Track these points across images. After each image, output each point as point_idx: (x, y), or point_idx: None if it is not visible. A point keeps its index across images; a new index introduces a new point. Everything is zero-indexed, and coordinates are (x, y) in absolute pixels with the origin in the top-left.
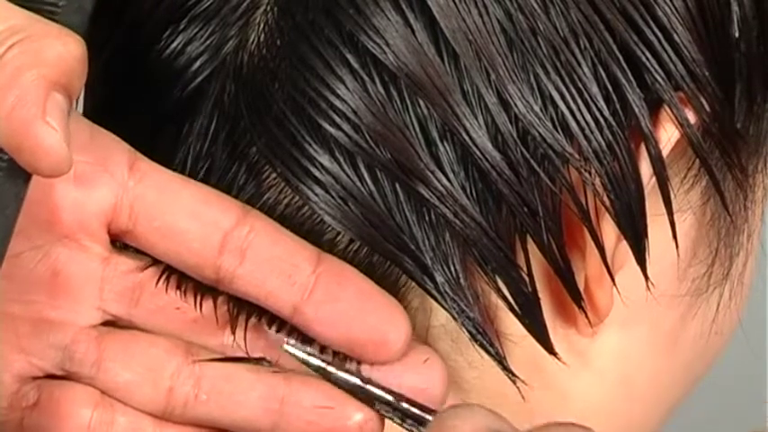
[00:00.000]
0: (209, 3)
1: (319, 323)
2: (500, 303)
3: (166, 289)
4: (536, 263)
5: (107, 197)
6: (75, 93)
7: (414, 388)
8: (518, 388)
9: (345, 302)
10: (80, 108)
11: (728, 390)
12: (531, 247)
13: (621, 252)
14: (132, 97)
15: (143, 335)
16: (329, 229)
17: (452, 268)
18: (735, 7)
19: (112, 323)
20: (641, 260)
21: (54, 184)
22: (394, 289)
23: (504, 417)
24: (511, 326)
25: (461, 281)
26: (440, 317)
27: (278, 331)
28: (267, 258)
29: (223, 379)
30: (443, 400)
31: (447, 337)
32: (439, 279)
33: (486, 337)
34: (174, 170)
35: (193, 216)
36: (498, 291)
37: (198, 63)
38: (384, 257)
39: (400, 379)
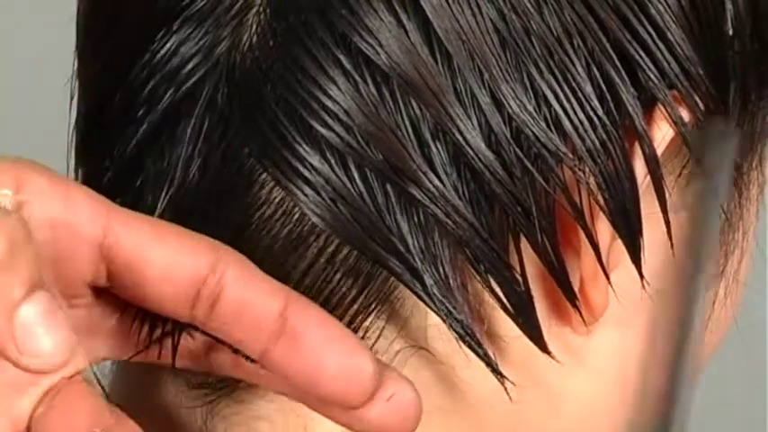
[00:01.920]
0: (202, 4)
1: (283, 369)
2: (493, 303)
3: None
4: (530, 262)
5: (87, 264)
6: None
7: (381, 425)
8: (506, 388)
9: (309, 349)
10: (73, 111)
11: (728, 390)
12: (525, 246)
13: (616, 251)
14: (125, 100)
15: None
16: (318, 230)
17: (441, 270)
18: (728, 5)
19: None
20: (636, 259)
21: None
22: (384, 290)
23: None
24: (504, 326)
25: (450, 282)
26: (435, 316)
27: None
28: (237, 306)
29: None
30: (414, 426)
31: (443, 337)
32: (428, 281)
33: (474, 338)
34: (167, 171)
35: (166, 279)
36: (491, 291)
37: (191, 64)
38: (372, 260)
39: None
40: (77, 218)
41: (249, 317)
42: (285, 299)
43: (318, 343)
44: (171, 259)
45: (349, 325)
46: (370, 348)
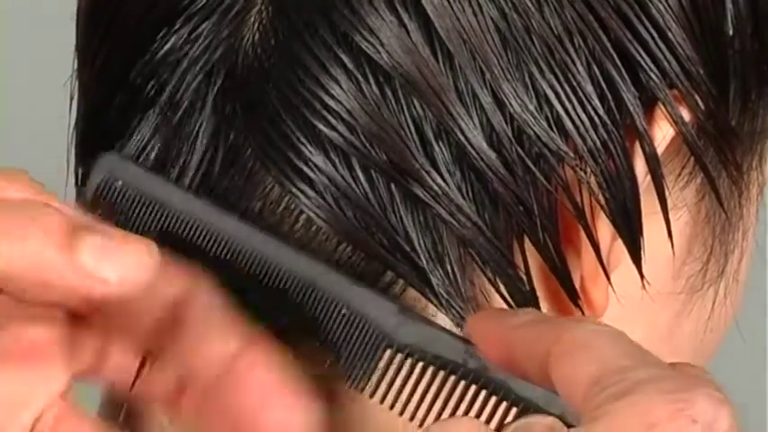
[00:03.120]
0: (203, 2)
1: (223, 411)
2: (497, 303)
3: None
4: (532, 261)
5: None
6: None
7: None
8: None
9: (250, 395)
10: (73, 111)
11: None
12: (528, 245)
13: (617, 250)
14: (126, 99)
15: None
16: (321, 231)
17: (449, 269)
18: (729, 5)
19: None
20: (636, 258)
21: None
22: (389, 292)
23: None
24: None
25: (459, 282)
26: (443, 316)
27: None
28: (196, 339)
29: None
30: None
31: None
32: (434, 281)
33: None
34: (170, 172)
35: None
36: (497, 290)
37: (192, 64)
38: (377, 260)
39: None
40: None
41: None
42: (241, 341)
43: (258, 390)
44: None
45: None
46: None
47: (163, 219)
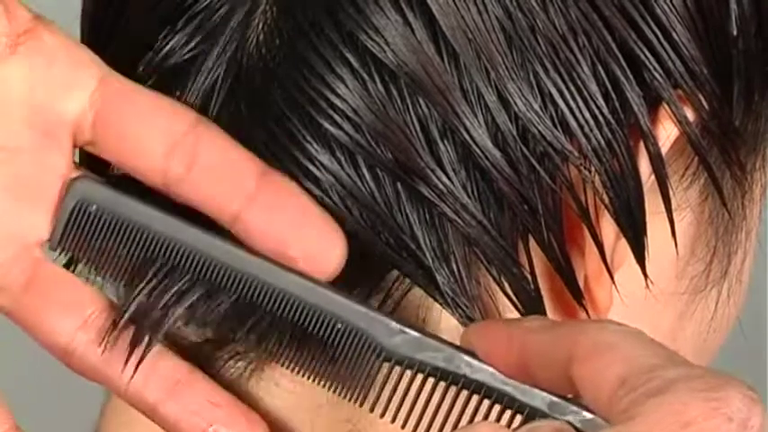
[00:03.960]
0: (206, 3)
1: (257, 232)
2: (502, 302)
3: None
4: (537, 261)
5: (76, 106)
6: None
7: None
8: None
9: (285, 215)
10: None
11: None
12: (532, 245)
13: (621, 250)
14: None
15: (72, 277)
16: None
17: (454, 268)
18: (733, 5)
19: None
20: (640, 258)
21: (34, 87)
22: (395, 289)
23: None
24: None
25: (464, 280)
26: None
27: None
28: (214, 166)
29: (123, 341)
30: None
31: (455, 334)
32: (440, 279)
33: None
34: None
35: (144, 122)
36: (502, 289)
37: (196, 63)
38: (383, 259)
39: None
40: (81, 57)
41: (226, 176)
42: (263, 169)
43: (294, 212)
44: (153, 105)
45: None
46: None
47: (141, 241)
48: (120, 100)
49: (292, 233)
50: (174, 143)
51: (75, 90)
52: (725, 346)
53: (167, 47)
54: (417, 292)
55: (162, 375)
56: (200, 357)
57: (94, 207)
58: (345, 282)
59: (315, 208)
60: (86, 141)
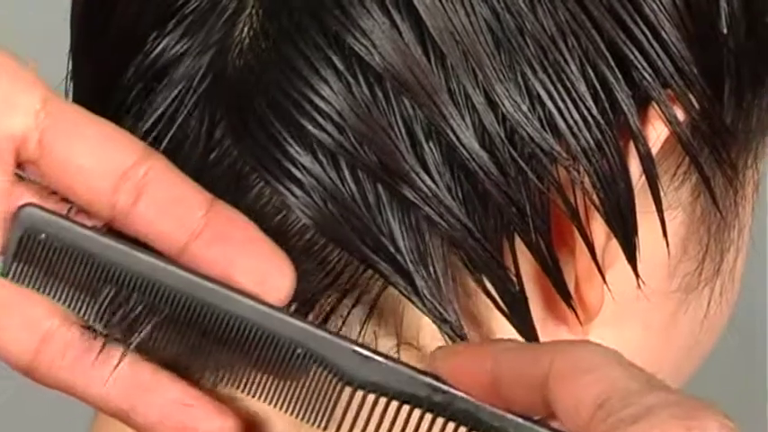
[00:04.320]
0: (194, 5)
1: (204, 263)
2: (488, 304)
3: None
4: (525, 262)
5: (19, 125)
6: None
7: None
8: None
9: (231, 245)
10: None
11: (729, 390)
12: (520, 246)
13: (611, 250)
14: (119, 101)
15: (24, 291)
16: (308, 231)
17: (433, 271)
18: (723, 3)
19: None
20: (631, 258)
21: None
22: (374, 288)
23: None
24: (500, 327)
25: (441, 283)
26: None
27: None
28: (161, 199)
29: (87, 352)
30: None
31: (437, 336)
32: (418, 282)
33: (464, 339)
34: None
35: (93, 153)
36: (485, 291)
37: (183, 66)
38: (360, 261)
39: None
40: (24, 77)
41: (174, 210)
42: (210, 201)
43: (241, 241)
44: (103, 136)
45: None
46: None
47: (90, 269)
48: (68, 128)
49: (239, 263)
50: (122, 176)
51: (18, 107)
52: (725, 347)
53: (156, 50)
54: (392, 292)
55: (126, 382)
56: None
57: (43, 236)
58: (324, 280)
59: (262, 238)
60: (29, 160)
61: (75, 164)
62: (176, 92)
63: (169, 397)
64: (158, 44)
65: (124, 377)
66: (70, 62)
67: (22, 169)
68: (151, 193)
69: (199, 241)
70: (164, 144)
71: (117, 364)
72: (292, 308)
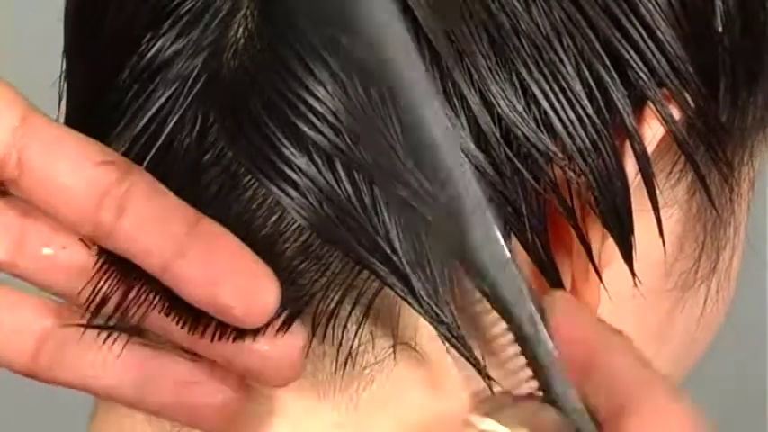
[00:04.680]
0: (189, 6)
1: (188, 282)
2: (485, 304)
3: None
4: (522, 262)
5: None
6: None
7: (265, 354)
8: (492, 392)
9: (215, 264)
10: (62, 113)
11: (728, 390)
12: (516, 245)
13: (608, 249)
14: (113, 102)
15: (13, 293)
16: (305, 232)
17: (429, 272)
18: (718, 2)
19: None
20: (628, 257)
21: None
22: (369, 289)
23: None
24: (497, 326)
25: (438, 285)
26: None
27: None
28: (144, 216)
29: (88, 346)
30: (297, 371)
31: (434, 338)
32: (415, 284)
33: (461, 341)
34: (153, 174)
35: (74, 171)
36: (482, 291)
37: (178, 66)
38: (356, 262)
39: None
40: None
41: (157, 226)
42: (195, 218)
43: (226, 259)
44: (83, 154)
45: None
46: (358, 344)
47: None
48: (47, 146)
49: (221, 283)
50: (103, 193)
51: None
52: (725, 347)
53: (151, 51)
54: (389, 293)
55: (131, 370)
56: None
57: None
58: (320, 281)
59: (247, 254)
60: (8, 179)
61: (56, 183)
62: (170, 92)
63: (176, 377)
64: (153, 45)
65: (128, 365)
66: (64, 62)
67: (4, 188)
68: (134, 210)
69: (182, 260)
70: (157, 145)
71: (119, 354)
72: (286, 312)
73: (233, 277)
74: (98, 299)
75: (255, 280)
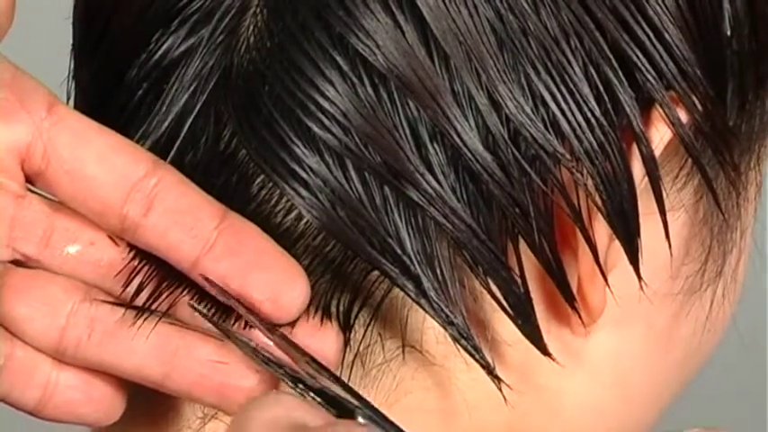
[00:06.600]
0: (198, 5)
1: (217, 277)
2: (493, 306)
3: None
4: (529, 264)
5: (23, 135)
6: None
7: (307, 348)
8: (502, 393)
9: (244, 259)
10: None
11: (729, 390)
12: (524, 247)
13: (614, 252)
14: (122, 101)
15: (43, 273)
16: (316, 233)
17: (439, 272)
18: (726, 5)
19: (21, 263)
20: (634, 260)
21: None
22: (377, 290)
23: (314, 409)
24: (504, 329)
25: (448, 285)
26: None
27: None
28: (172, 211)
29: (117, 324)
30: (336, 363)
31: (441, 339)
32: (425, 284)
33: (471, 341)
34: None
35: (102, 163)
36: (490, 292)
37: (188, 66)
38: (367, 262)
39: (294, 339)
40: (26, 85)
41: (184, 221)
42: (222, 213)
43: (254, 254)
44: (111, 146)
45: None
46: (366, 346)
47: None
48: (75, 137)
49: (250, 278)
50: (131, 187)
51: (21, 117)
52: (725, 347)
53: (161, 49)
54: (398, 293)
55: (157, 350)
56: None
57: None
58: (330, 281)
59: (274, 248)
60: (35, 172)
61: (84, 174)
62: (182, 91)
63: (202, 357)
64: (163, 43)
65: (154, 344)
66: (72, 61)
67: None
68: (162, 205)
69: (210, 254)
70: (176, 145)
71: (148, 334)
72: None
73: (261, 274)
74: (131, 293)
75: (284, 275)
